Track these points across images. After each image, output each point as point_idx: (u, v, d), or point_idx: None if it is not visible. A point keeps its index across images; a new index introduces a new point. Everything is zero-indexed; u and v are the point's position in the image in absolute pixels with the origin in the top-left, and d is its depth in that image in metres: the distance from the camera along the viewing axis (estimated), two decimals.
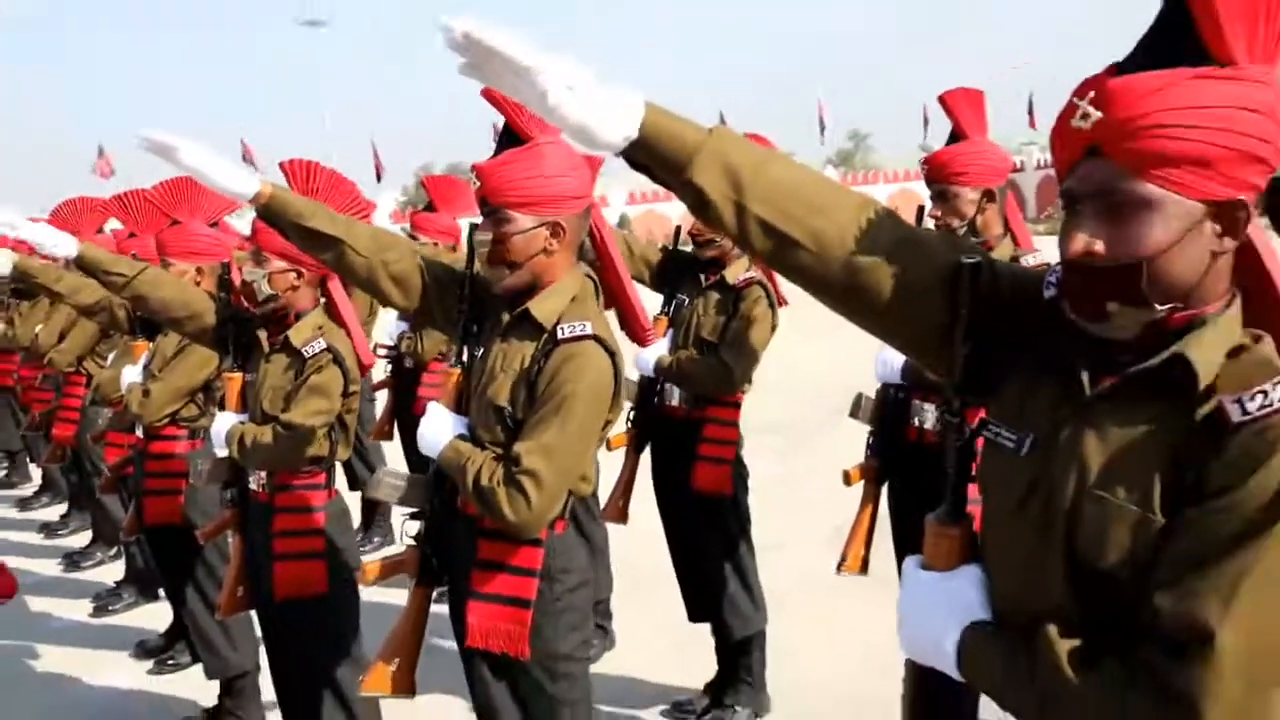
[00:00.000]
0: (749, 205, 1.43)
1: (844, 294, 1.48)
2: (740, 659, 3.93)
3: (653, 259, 4.01)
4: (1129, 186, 1.23)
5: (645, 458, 4.08)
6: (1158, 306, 1.26)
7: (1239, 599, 1.14)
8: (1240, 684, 1.14)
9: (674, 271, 3.95)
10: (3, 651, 5.25)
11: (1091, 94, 1.26)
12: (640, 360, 3.84)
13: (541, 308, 2.38)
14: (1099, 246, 1.26)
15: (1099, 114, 1.24)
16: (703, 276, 3.83)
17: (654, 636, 4.60)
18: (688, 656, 4.22)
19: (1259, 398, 1.19)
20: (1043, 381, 1.40)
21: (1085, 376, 1.34)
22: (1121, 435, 1.29)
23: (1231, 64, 1.21)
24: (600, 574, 4.62)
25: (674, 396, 3.89)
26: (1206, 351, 1.26)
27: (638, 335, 2.74)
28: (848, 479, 3.31)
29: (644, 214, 35.67)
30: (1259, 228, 1.37)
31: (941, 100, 3.25)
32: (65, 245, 3.62)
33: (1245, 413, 1.20)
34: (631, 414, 4.03)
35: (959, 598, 1.41)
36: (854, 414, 3.38)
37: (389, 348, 5.46)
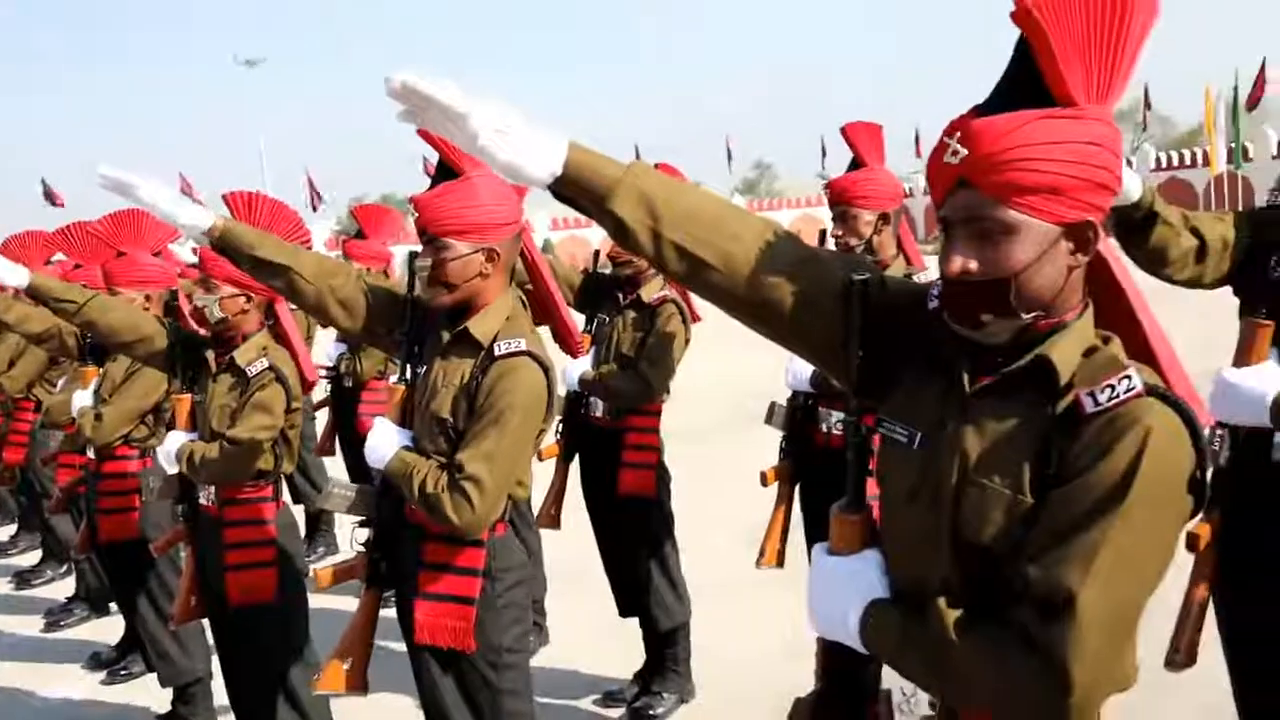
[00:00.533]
0: (664, 232, 1.50)
1: (751, 309, 1.55)
2: (667, 649, 3.98)
3: (574, 281, 4.05)
4: (995, 213, 1.32)
5: (574, 466, 4.10)
6: (1024, 315, 1.34)
7: (1096, 565, 1.23)
8: (1098, 638, 1.23)
9: (594, 292, 3.99)
10: None
11: (958, 133, 1.35)
12: (566, 375, 3.87)
13: (479, 327, 2.42)
14: (973, 266, 1.33)
15: (966, 151, 1.34)
16: (620, 296, 3.87)
17: (586, 631, 4.63)
18: (618, 649, 4.25)
19: (1107, 390, 1.29)
20: (929, 382, 1.47)
21: (965, 378, 1.41)
22: (996, 428, 1.37)
23: (1073, 105, 1.32)
24: (536, 576, 4.65)
25: (598, 408, 3.93)
26: (1065, 353, 1.35)
27: (571, 347, 2.79)
28: (764, 480, 3.38)
29: (566, 238, 35.70)
30: (1108, 244, 1.49)
31: (843, 131, 3.36)
32: (17, 276, 3.57)
33: (1097, 404, 1.29)
34: (560, 426, 4.06)
35: (861, 578, 1.45)
36: (768, 420, 3.46)
37: (328, 368, 5.40)
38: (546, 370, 2.40)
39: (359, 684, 2.57)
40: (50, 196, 13.16)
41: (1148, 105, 33.51)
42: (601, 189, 1.48)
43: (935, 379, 1.46)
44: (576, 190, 1.50)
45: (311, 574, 2.81)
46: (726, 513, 5.87)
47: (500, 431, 2.32)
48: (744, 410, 3.77)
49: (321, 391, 5.56)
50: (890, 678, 1.49)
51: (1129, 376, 1.30)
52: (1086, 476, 1.27)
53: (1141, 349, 1.43)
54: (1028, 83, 1.33)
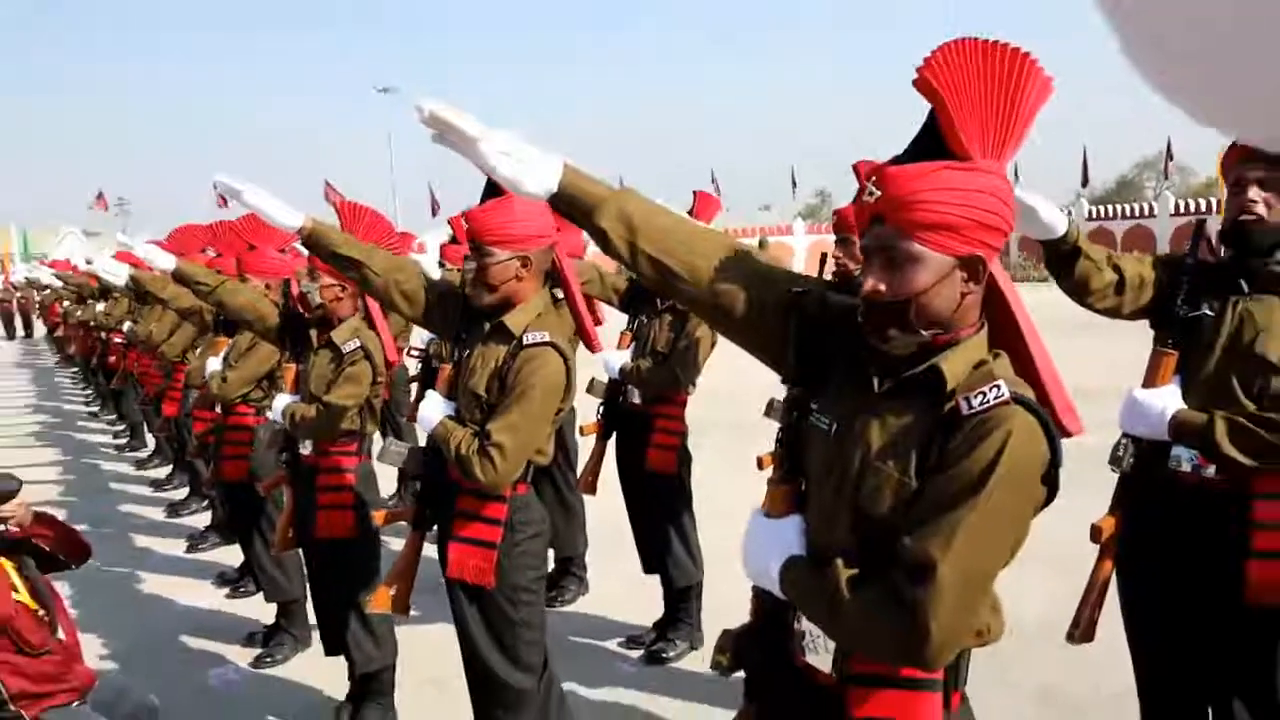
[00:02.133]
0: (640, 244, 1.56)
1: (710, 311, 1.61)
2: (681, 604, 3.99)
3: (620, 286, 4.08)
4: (902, 245, 1.35)
5: (612, 443, 4.13)
6: (924, 332, 1.38)
7: (955, 539, 1.27)
8: (953, 598, 1.26)
9: (636, 296, 4.02)
10: (117, 578, 5.37)
11: (875, 178, 1.39)
12: (608, 365, 3.93)
13: (513, 320, 2.49)
14: (882, 287, 1.37)
15: (880, 192, 1.37)
16: (658, 301, 3.89)
17: (618, 585, 4.66)
18: (643, 601, 4.28)
19: (980, 397, 1.32)
20: (849, 382, 1.50)
21: (875, 381, 1.45)
22: (894, 423, 1.40)
23: (969, 159, 1.35)
24: (577, 534, 4.69)
25: (634, 395, 3.96)
26: (955, 364, 1.38)
27: (587, 342, 2.84)
28: (760, 464, 3.38)
29: None
30: (1005, 277, 1.50)
31: (854, 168, 3.36)
32: (166, 261, 3.75)
33: (971, 407, 1.32)
34: (601, 408, 4.09)
35: (783, 537, 1.50)
36: (767, 413, 3.48)
37: (421, 350, 5.54)
38: (566, 359, 2.46)
39: (402, 607, 2.66)
40: (222, 197, 13.60)
41: (1170, 156, 33.30)
42: (589, 205, 1.56)
43: (853, 380, 1.49)
44: (568, 204, 1.57)
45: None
46: (747, 492, 5.87)
47: (523, 407, 2.38)
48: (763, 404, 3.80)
49: (414, 369, 5.71)
50: (804, 622, 1.52)
51: (998, 386, 1.33)
52: (957, 466, 1.30)
53: (1027, 364, 1.44)
54: (934, 140, 1.36)
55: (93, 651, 4.21)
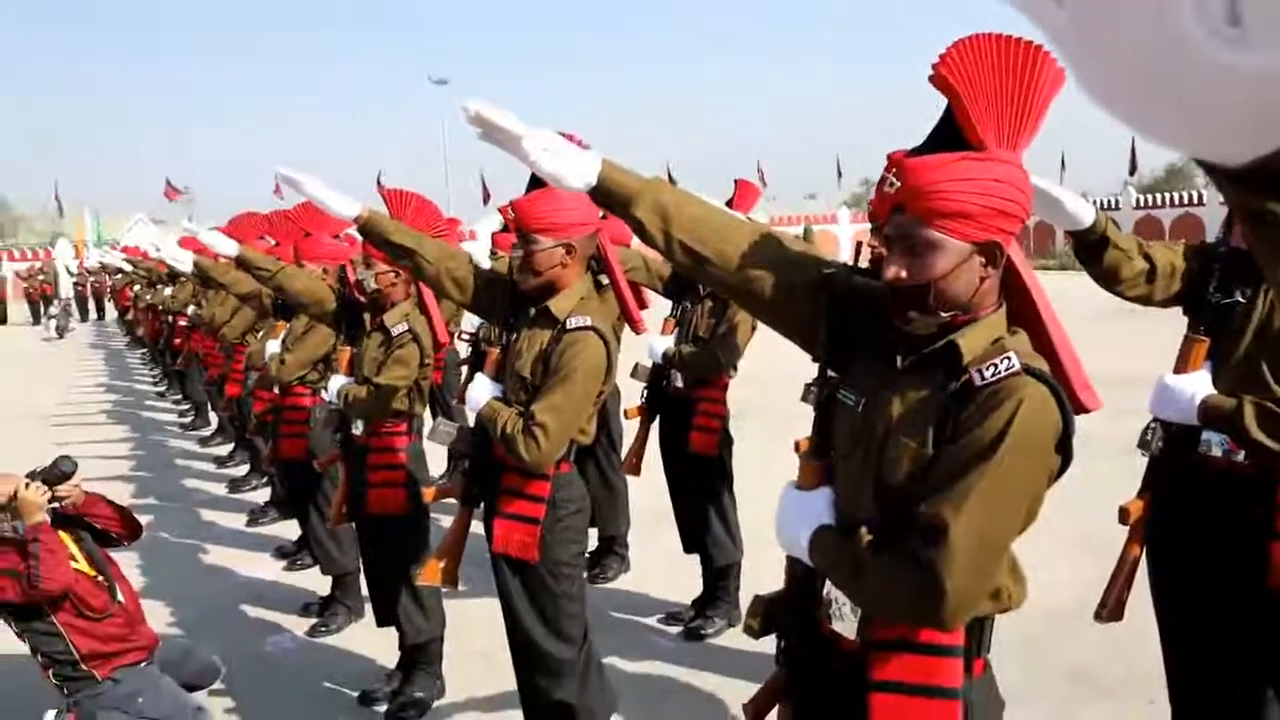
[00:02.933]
0: (673, 232, 1.62)
1: (742, 295, 1.67)
2: (720, 582, 4.03)
3: (664, 273, 4.07)
4: (922, 232, 1.39)
5: (655, 426, 4.18)
6: (943, 314, 1.42)
7: (967, 503, 1.31)
8: (966, 560, 1.31)
9: (680, 283, 4.04)
10: (181, 549, 5.56)
11: (895, 169, 1.43)
12: (652, 350, 3.98)
13: (557, 305, 2.55)
14: (904, 274, 1.42)
15: (900, 183, 1.41)
16: (701, 288, 3.92)
17: (659, 563, 4.72)
18: (682, 579, 4.33)
19: (992, 368, 1.37)
20: (874, 360, 1.55)
21: (898, 358, 1.50)
22: (914, 396, 1.46)
23: (985, 149, 1.38)
24: (619, 514, 4.75)
25: (677, 379, 3.99)
26: (972, 341, 1.42)
27: (632, 324, 2.89)
28: (797, 447, 3.41)
29: None
30: (1023, 258, 1.53)
31: (889, 158, 3.36)
32: (229, 247, 3.86)
33: (984, 379, 1.37)
34: (645, 392, 4.13)
35: (813, 508, 1.55)
36: (804, 398, 3.51)
37: (471, 334, 5.61)
38: (608, 344, 2.51)
39: (451, 579, 2.74)
40: (278, 188, 13.87)
41: (1135, 155, 32.74)
42: (626, 197, 1.62)
43: (879, 358, 1.54)
44: (606, 197, 1.63)
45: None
46: (786, 474, 5.89)
47: (566, 389, 2.44)
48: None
49: (464, 352, 5.80)
50: (831, 589, 1.57)
51: (1009, 358, 1.37)
52: (970, 434, 1.35)
53: (1045, 343, 1.48)
54: (952, 131, 1.40)
55: (158, 618, 4.38)
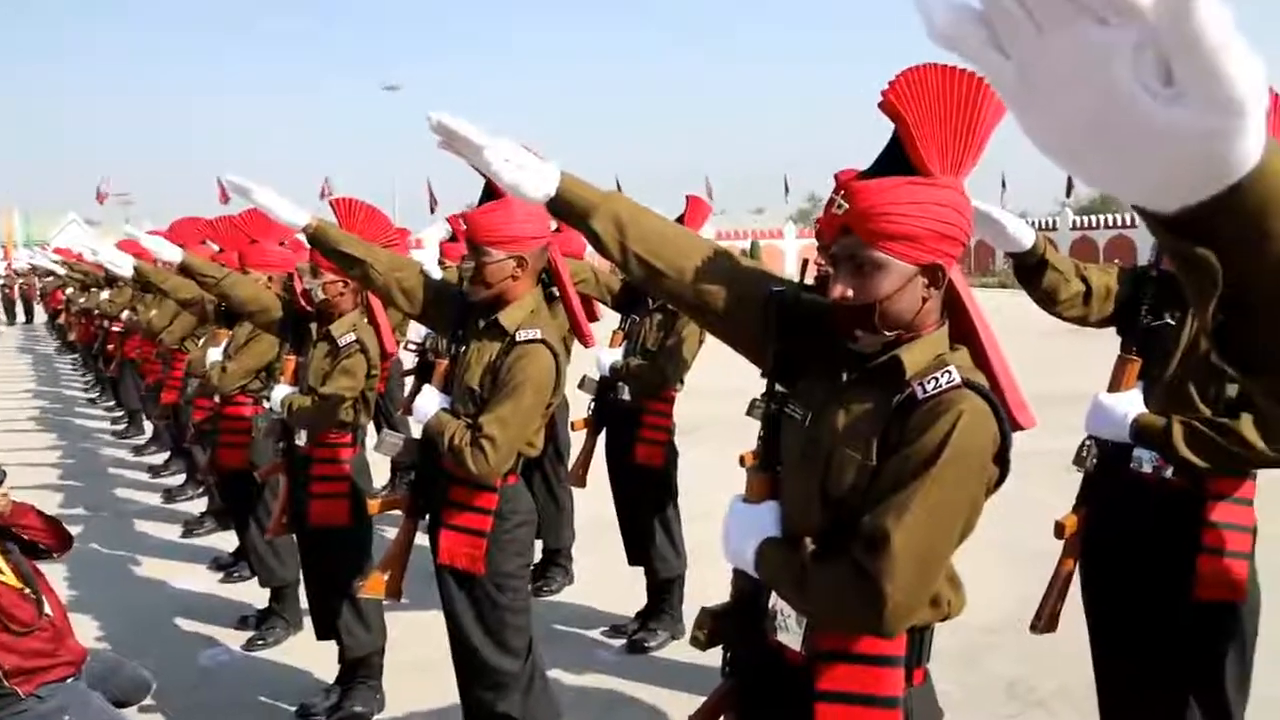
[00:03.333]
0: (630, 245, 1.64)
1: (695, 309, 1.69)
2: (664, 595, 4.05)
3: (614, 286, 4.13)
4: (867, 253, 1.43)
5: (602, 438, 4.19)
6: (887, 333, 1.47)
7: (908, 512, 1.35)
8: (907, 569, 1.34)
9: (629, 296, 4.07)
10: (113, 560, 5.42)
11: (843, 191, 1.47)
12: (600, 362, 3.99)
13: (507, 318, 2.54)
14: (849, 293, 1.45)
15: (848, 205, 1.45)
16: (650, 300, 3.93)
17: (603, 576, 4.72)
18: (627, 592, 4.34)
19: (933, 382, 1.41)
20: (820, 375, 1.58)
21: (844, 373, 1.54)
22: (858, 409, 1.49)
23: (930, 175, 1.42)
24: (564, 527, 4.75)
25: (624, 391, 4.01)
26: (914, 356, 1.46)
27: (581, 337, 2.90)
28: (742, 461, 3.44)
29: None
30: (964, 281, 1.58)
31: (836, 178, 3.42)
32: (172, 253, 3.79)
33: (925, 392, 1.41)
34: (591, 404, 4.15)
35: (760, 521, 1.57)
36: (749, 412, 3.54)
37: (418, 345, 5.56)
38: (556, 356, 2.51)
39: (395, 592, 2.72)
40: (222, 193, 13.64)
41: (1071, 178, 34.00)
42: (584, 209, 1.64)
43: (825, 373, 1.58)
44: (565, 208, 1.66)
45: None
46: (731, 488, 5.94)
47: (514, 401, 2.44)
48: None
49: (410, 363, 5.76)
50: (777, 601, 1.59)
51: (950, 372, 1.42)
52: (911, 446, 1.39)
53: (983, 360, 1.52)
54: (899, 156, 1.44)
55: (87, 632, 4.26)
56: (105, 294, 8.89)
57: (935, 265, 1.44)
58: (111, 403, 10.44)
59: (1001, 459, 1.42)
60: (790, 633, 1.57)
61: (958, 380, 1.40)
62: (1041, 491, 3.92)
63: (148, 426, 8.76)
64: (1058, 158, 0.53)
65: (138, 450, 8.42)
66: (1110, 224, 34.30)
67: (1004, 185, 35.33)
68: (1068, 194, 35.24)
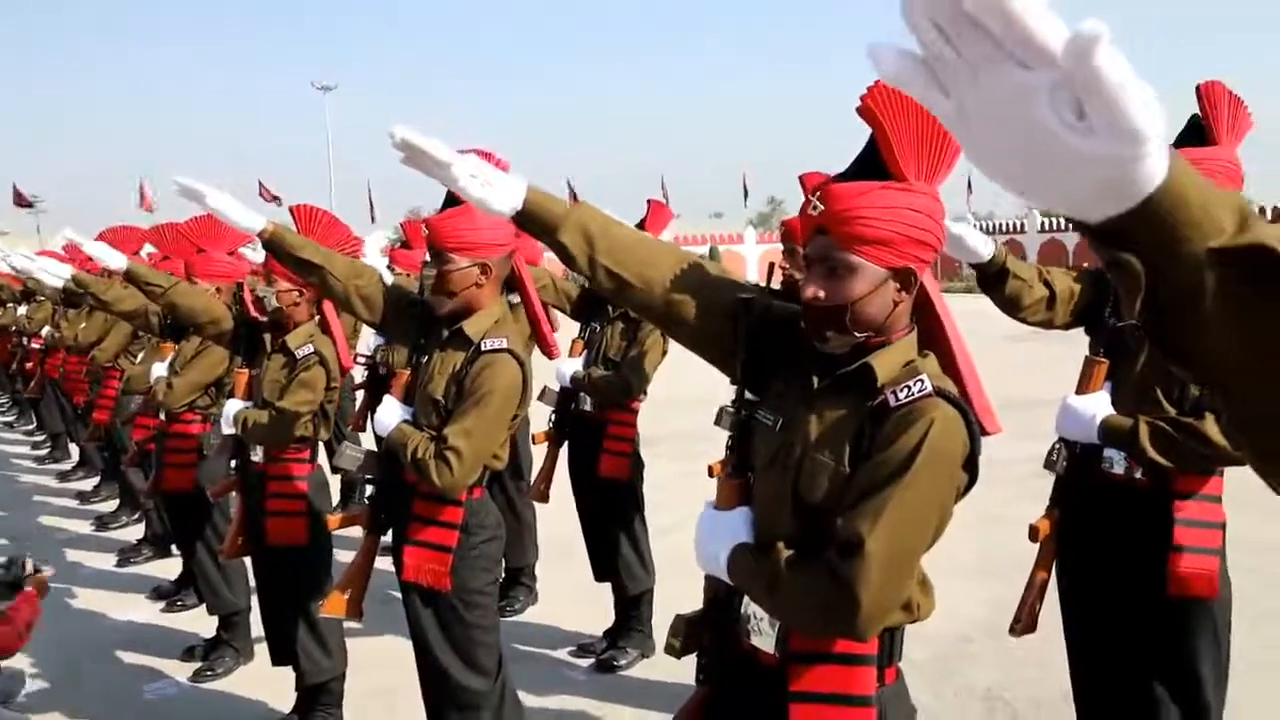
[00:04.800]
0: (598, 257, 1.75)
1: (663, 318, 1.80)
2: (632, 611, 4.12)
3: (572, 293, 4.19)
4: (840, 256, 1.55)
5: (564, 452, 4.25)
6: (858, 335, 1.58)
7: (881, 518, 1.45)
8: (880, 573, 1.45)
9: (589, 304, 4.14)
10: (50, 591, 5.35)
11: (819, 193, 1.58)
12: (560, 373, 4.07)
13: (471, 327, 2.61)
14: (821, 294, 1.57)
15: (823, 207, 1.57)
16: (610, 308, 4.00)
17: (569, 594, 4.78)
18: (594, 610, 4.40)
19: (905, 390, 1.53)
20: (791, 381, 1.70)
21: (815, 379, 1.65)
22: (830, 416, 1.60)
23: (905, 181, 1.54)
24: (528, 544, 4.82)
25: (586, 403, 4.08)
26: (885, 363, 1.58)
27: (545, 349, 2.99)
28: (710, 471, 3.52)
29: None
30: (936, 286, 1.70)
31: (801, 180, 3.55)
32: (117, 260, 3.79)
33: (897, 399, 1.52)
34: (553, 416, 4.21)
35: (731, 527, 1.67)
36: (717, 422, 3.64)
37: (367, 357, 5.59)
38: (523, 365, 2.59)
39: (356, 612, 2.76)
40: (143, 198, 13.46)
41: None
42: (551, 222, 1.74)
43: (796, 379, 1.69)
44: (532, 221, 1.75)
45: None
46: (698, 500, 6.04)
47: (480, 412, 2.51)
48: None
49: (360, 376, 5.79)
50: (749, 605, 1.69)
51: (922, 380, 1.53)
52: (884, 452, 1.50)
53: (952, 367, 1.64)
54: (874, 160, 1.56)
55: (22, 666, 4.23)
56: (22, 309, 8.75)
57: (907, 269, 1.56)
58: (31, 426, 10.28)
59: (971, 465, 1.54)
60: (764, 636, 1.68)
61: (929, 389, 1.51)
62: (1012, 498, 4.07)
63: (73, 450, 8.65)
64: (996, 180, 0.66)
65: (64, 476, 8.31)
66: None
67: (970, 188, 36.00)
68: None
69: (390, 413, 2.66)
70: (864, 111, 1.53)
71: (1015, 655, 3.77)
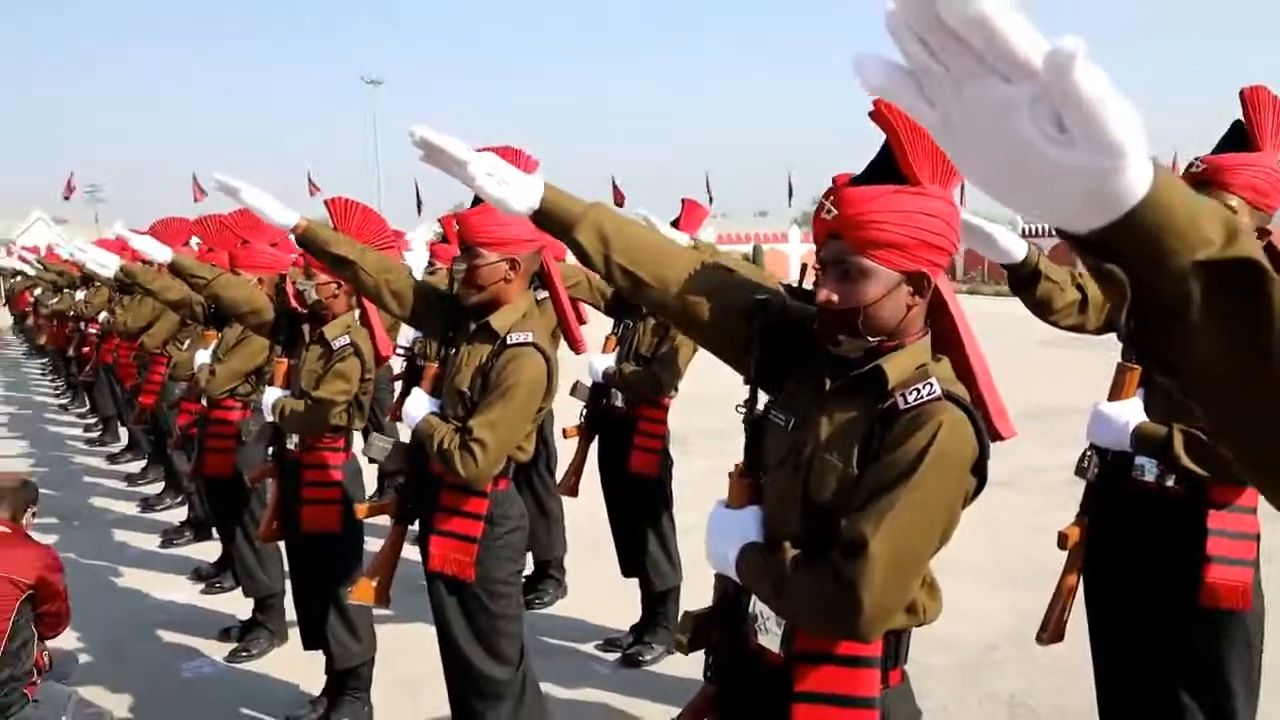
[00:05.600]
0: (613, 256, 1.77)
1: (679, 317, 1.82)
2: (659, 608, 4.15)
3: (607, 290, 4.23)
4: (854, 260, 1.55)
5: (595, 446, 4.28)
6: (870, 339, 1.59)
7: (886, 520, 1.46)
8: (884, 575, 1.46)
9: (623, 301, 4.15)
10: (92, 571, 5.52)
11: (833, 197, 1.59)
12: (592, 368, 4.11)
13: (498, 320, 2.65)
14: (835, 298, 1.57)
15: (837, 211, 1.58)
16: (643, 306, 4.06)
17: (597, 589, 4.82)
18: (621, 604, 4.44)
19: (915, 393, 1.53)
20: (804, 382, 1.71)
21: (827, 381, 1.66)
22: (841, 417, 1.61)
23: (919, 185, 1.55)
24: (556, 537, 4.87)
25: (617, 398, 4.12)
26: (896, 366, 1.58)
27: (571, 344, 3.02)
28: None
29: (770, 252, 35.42)
30: (950, 289, 1.70)
31: (834, 181, 3.54)
32: (162, 253, 3.89)
33: (906, 403, 1.53)
34: (584, 411, 4.26)
35: (741, 526, 1.69)
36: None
37: (406, 349, 5.67)
38: (548, 360, 2.62)
39: (383, 598, 2.83)
40: (198, 189, 13.70)
41: (1174, 168, 33.58)
42: (568, 221, 1.77)
43: (809, 379, 1.70)
44: (549, 221, 1.79)
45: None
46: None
47: (505, 405, 2.55)
48: None
49: (399, 367, 5.87)
50: (757, 604, 1.71)
51: (931, 383, 1.53)
52: (892, 455, 1.51)
53: (966, 371, 1.64)
54: (889, 164, 1.56)
55: (65, 644, 4.35)
56: (80, 294, 8.99)
57: (921, 274, 1.56)
58: (84, 408, 10.54)
59: (980, 470, 1.54)
60: (770, 635, 1.69)
61: (938, 392, 1.52)
62: (1043, 506, 4.03)
63: (123, 433, 8.85)
64: (984, 189, 0.67)
65: (113, 458, 8.52)
66: None
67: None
68: None
69: (418, 405, 2.71)
70: (876, 116, 1.53)
71: (1041, 663, 3.73)
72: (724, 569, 1.71)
